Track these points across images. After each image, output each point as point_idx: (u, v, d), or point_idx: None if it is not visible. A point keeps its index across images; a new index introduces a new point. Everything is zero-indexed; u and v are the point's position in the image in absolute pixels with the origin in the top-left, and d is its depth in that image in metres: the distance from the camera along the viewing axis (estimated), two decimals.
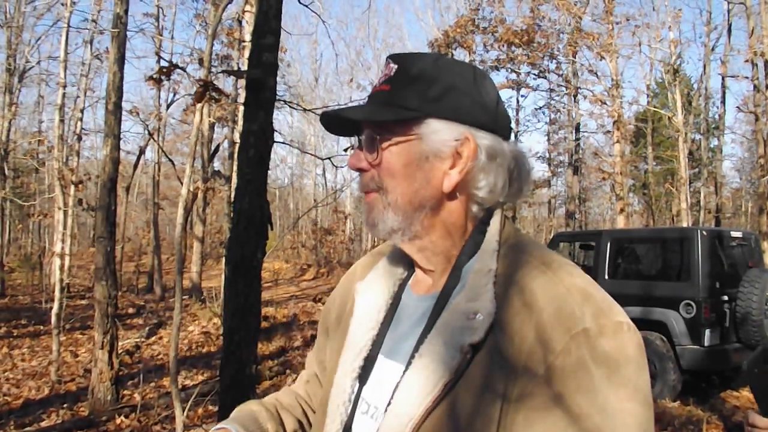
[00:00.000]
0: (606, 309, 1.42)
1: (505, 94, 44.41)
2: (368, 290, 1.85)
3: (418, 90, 1.60)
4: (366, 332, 1.77)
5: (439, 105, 1.61)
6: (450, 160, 1.62)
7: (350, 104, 1.76)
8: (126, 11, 11.88)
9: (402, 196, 1.62)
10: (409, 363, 1.56)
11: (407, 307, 1.77)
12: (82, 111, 29.45)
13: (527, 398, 1.37)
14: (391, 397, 1.56)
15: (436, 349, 1.50)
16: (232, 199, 7.48)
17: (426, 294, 1.73)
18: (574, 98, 35.40)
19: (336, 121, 1.77)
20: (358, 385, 1.73)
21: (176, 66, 8.06)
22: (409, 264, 1.86)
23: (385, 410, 1.56)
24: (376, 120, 1.62)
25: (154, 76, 7.96)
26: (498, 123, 1.67)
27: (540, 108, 40.83)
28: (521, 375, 1.38)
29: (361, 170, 1.68)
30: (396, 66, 1.64)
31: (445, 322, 1.54)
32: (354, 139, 1.75)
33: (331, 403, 1.76)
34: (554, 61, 31.93)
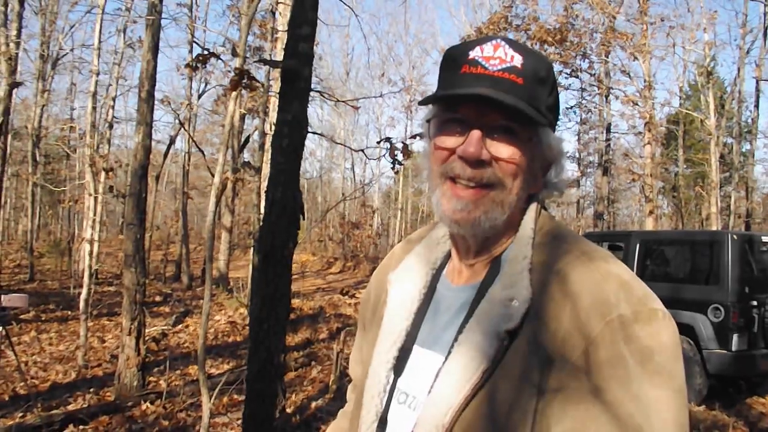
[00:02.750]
0: (641, 296, 1.44)
1: None
2: (401, 280, 1.85)
3: (544, 94, 1.61)
4: (400, 322, 1.77)
5: (552, 114, 1.65)
6: (539, 165, 1.67)
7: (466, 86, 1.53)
8: None
9: (516, 196, 1.62)
10: (449, 353, 1.57)
11: (445, 298, 1.76)
12: (114, 99, 29.59)
13: (563, 385, 1.38)
14: (431, 387, 1.56)
15: (474, 337, 1.51)
16: (264, 189, 7.48)
17: (466, 284, 1.73)
18: (606, 98, 35.22)
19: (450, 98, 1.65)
20: (393, 375, 1.73)
21: (212, 54, 8.08)
22: (442, 252, 1.87)
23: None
24: (533, 116, 1.56)
25: (191, 63, 7.98)
26: None
27: (571, 107, 40.59)
28: (557, 361, 1.40)
29: (481, 162, 1.58)
30: (520, 57, 1.59)
31: (483, 310, 1.55)
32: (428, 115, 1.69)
33: (366, 394, 1.77)
34: (587, 60, 31.71)
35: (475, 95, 1.55)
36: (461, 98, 1.59)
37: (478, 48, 1.61)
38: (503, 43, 1.60)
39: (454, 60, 1.65)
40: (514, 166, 1.58)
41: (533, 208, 1.69)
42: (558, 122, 1.73)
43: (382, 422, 1.71)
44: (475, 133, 1.57)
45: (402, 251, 2.01)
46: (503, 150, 1.57)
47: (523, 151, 1.58)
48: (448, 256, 1.85)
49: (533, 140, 1.61)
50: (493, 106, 1.54)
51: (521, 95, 1.55)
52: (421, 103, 1.68)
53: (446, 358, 1.57)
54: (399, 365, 1.73)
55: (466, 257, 1.75)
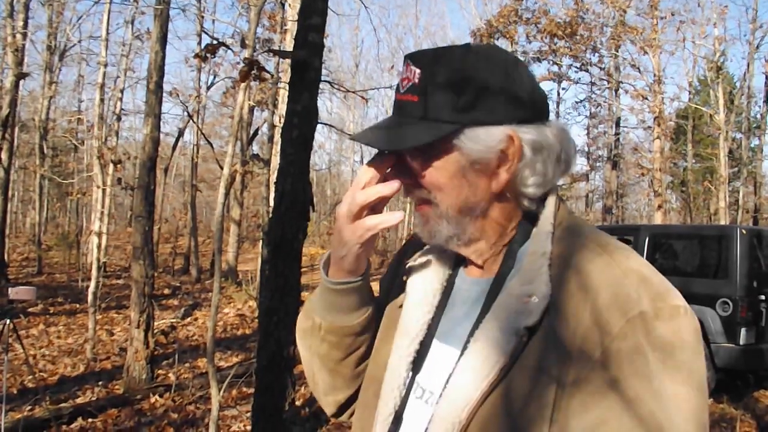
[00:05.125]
0: (663, 292, 1.41)
1: (546, 87, 44.36)
2: (421, 273, 1.84)
3: (449, 99, 1.53)
4: (421, 317, 1.75)
5: (474, 112, 1.54)
6: (495, 162, 1.57)
7: (379, 120, 1.58)
8: None
9: (452, 207, 1.59)
10: (464, 348, 1.54)
11: (461, 291, 1.75)
12: (122, 91, 29.60)
13: (582, 382, 1.35)
14: (447, 382, 1.54)
15: (491, 333, 1.49)
16: (274, 181, 7.44)
17: (481, 277, 1.70)
18: (616, 92, 35.33)
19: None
20: (412, 370, 1.72)
21: (222, 44, 8.07)
22: None
23: (441, 395, 1.55)
24: (411, 147, 1.55)
25: (200, 53, 7.97)
26: (536, 110, 1.61)
27: (581, 101, 40.86)
28: (576, 358, 1.37)
29: (406, 187, 1.65)
30: (419, 71, 1.56)
31: (500, 305, 1.52)
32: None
33: (385, 387, 1.75)
34: (596, 54, 31.82)
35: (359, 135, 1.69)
36: None
37: (402, 69, 1.63)
38: (411, 60, 1.59)
39: None
40: (429, 181, 1.59)
41: (552, 201, 1.65)
42: (514, 103, 1.57)
43: (398, 417, 1.70)
44: (382, 161, 1.66)
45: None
46: (418, 170, 1.60)
47: (439, 164, 1.57)
48: None
49: (445, 149, 1.56)
50: None
51: (412, 114, 1.56)
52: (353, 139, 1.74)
53: (462, 354, 1.55)
54: (418, 359, 1.72)
55: (474, 262, 1.74)
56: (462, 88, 1.53)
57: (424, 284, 1.81)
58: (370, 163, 1.65)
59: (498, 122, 1.55)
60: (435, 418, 1.53)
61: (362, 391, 1.94)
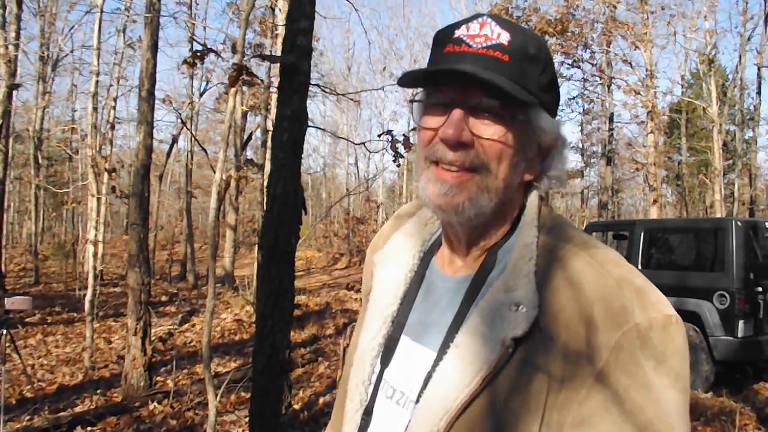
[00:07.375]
0: (655, 302, 1.41)
1: None
2: (386, 263, 1.82)
3: (534, 73, 1.54)
4: (386, 308, 1.73)
5: (546, 94, 1.57)
6: (536, 150, 1.59)
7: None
8: None
9: (503, 181, 1.54)
10: (443, 352, 1.51)
11: (435, 287, 1.70)
12: (115, 99, 29.64)
13: (577, 395, 1.35)
14: (423, 388, 1.51)
15: (473, 340, 1.46)
16: (266, 185, 7.46)
17: (457, 275, 1.67)
18: (608, 88, 35.30)
19: (424, 75, 1.58)
20: (379, 365, 1.70)
21: (210, 50, 8.07)
22: (431, 233, 1.82)
23: (417, 400, 1.53)
24: (515, 94, 1.46)
25: (189, 60, 7.97)
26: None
27: (573, 98, 40.63)
28: (569, 371, 1.36)
29: (462, 144, 1.51)
30: (507, 34, 1.52)
31: (482, 311, 1.49)
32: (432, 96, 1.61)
33: (351, 382, 1.74)
34: (588, 50, 31.71)
35: (448, 70, 1.49)
36: (443, 78, 1.53)
37: (464, 27, 1.55)
38: (490, 20, 1.54)
39: (441, 40, 1.59)
40: (498, 147, 1.50)
41: (535, 201, 1.63)
42: (558, 104, 1.66)
43: (368, 413, 1.67)
44: (456, 113, 1.51)
45: (391, 228, 1.93)
46: (486, 129, 1.50)
47: (510, 131, 1.51)
48: (439, 236, 1.79)
49: (521, 120, 1.53)
50: (474, 83, 1.47)
51: (505, 73, 1.48)
52: (398, 83, 1.61)
53: (441, 357, 1.51)
54: (386, 354, 1.69)
55: (456, 246, 1.68)
56: (544, 68, 1.56)
57: (389, 274, 1.78)
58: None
59: (552, 113, 1.60)
60: (412, 425, 1.51)
61: (339, 387, 1.91)
